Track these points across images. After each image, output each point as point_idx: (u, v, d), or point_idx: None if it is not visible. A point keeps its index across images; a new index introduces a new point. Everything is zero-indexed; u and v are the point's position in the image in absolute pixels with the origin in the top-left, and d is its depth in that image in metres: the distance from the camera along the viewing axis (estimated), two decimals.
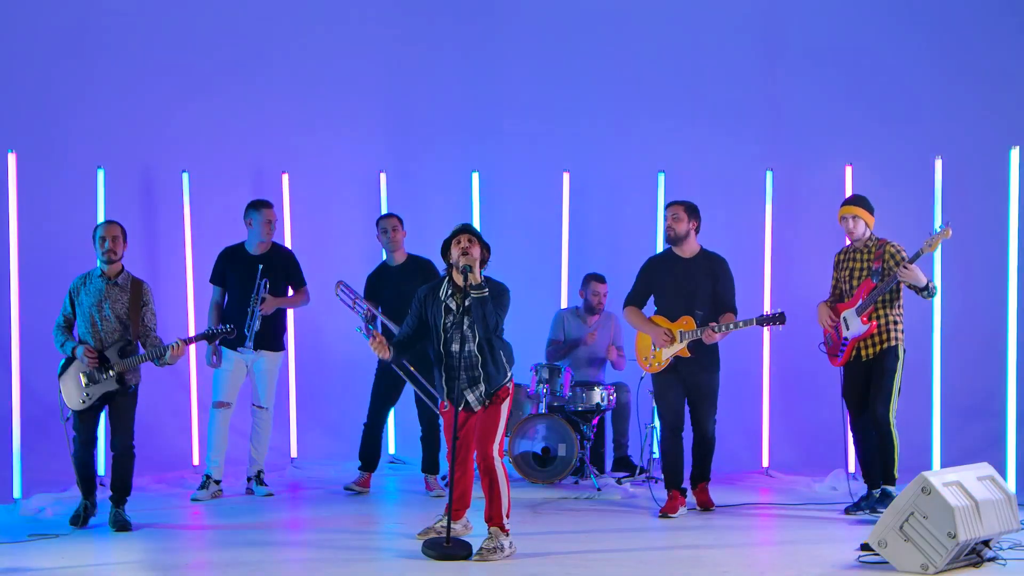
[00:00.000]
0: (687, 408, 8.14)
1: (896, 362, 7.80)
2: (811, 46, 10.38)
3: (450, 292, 6.74)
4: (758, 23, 10.51)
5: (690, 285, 8.01)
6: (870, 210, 7.95)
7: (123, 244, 7.62)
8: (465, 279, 6.62)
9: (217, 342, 8.60)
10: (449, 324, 6.73)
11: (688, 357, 7.96)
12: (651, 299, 8.26)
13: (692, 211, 8.11)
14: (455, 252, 6.69)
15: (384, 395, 8.90)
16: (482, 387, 6.73)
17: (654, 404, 8.41)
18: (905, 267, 7.66)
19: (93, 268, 7.63)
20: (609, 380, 9.65)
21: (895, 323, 7.85)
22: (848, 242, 8.07)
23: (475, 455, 6.81)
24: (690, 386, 8.06)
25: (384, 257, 9.11)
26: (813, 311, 8.13)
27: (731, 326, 7.87)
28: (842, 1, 10.43)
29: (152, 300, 7.66)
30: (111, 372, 7.46)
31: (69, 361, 7.53)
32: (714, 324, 7.85)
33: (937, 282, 8.71)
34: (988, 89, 9.97)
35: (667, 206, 8.21)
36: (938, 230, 7.68)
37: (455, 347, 6.72)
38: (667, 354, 8.00)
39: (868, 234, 7.94)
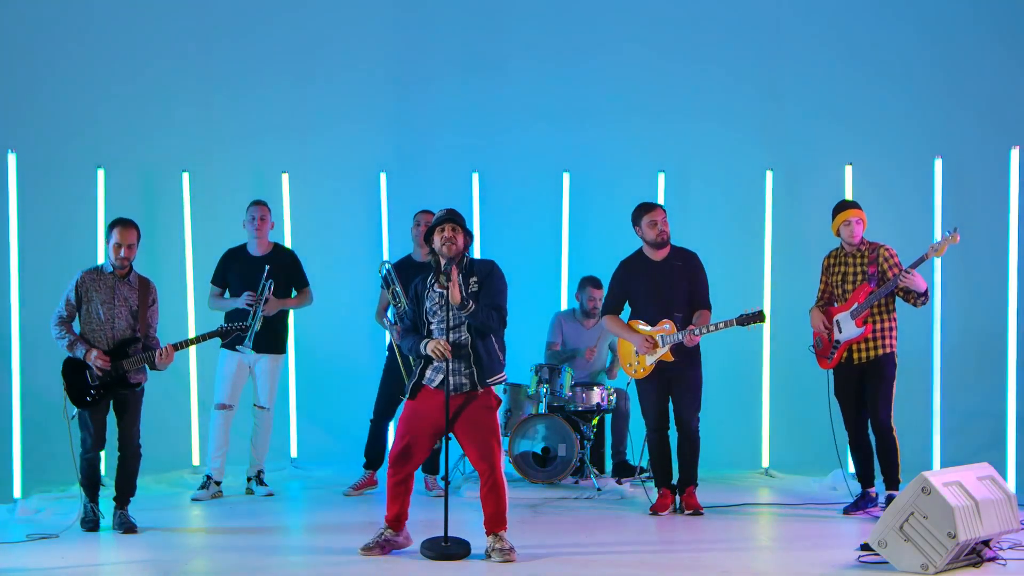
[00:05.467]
0: (671, 406, 8.06)
1: (894, 369, 7.89)
2: (811, 46, 10.38)
3: (435, 280, 6.78)
4: (758, 23, 10.51)
5: (667, 288, 7.93)
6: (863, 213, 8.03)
7: (136, 246, 7.53)
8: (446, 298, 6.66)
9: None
10: (436, 309, 6.75)
11: (672, 360, 7.90)
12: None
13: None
14: (438, 240, 6.74)
15: (392, 392, 8.88)
16: (472, 374, 6.69)
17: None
18: (907, 273, 7.66)
19: (102, 264, 7.59)
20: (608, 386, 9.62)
21: (890, 329, 7.91)
22: (845, 245, 8.02)
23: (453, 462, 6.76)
24: (673, 383, 7.99)
25: (412, 251, 9.03)
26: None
27: (710, 327, 7.80)
28: (842, 1, 10.43)
29: (157, 299, 7.65)
30: (120, 370, 7.43)
31: (74, 359, 7.46)
32: (693, 327, 7.82)
33: (937, 282, 8.71)
34: (988, 89, 9.98)
35: (654, 209, 7.98)
36: (946, 235, 7.66)
37: (440, 330, 6.71)
38: (650, 360, 7.93)
39: (861, 237, 7.98)
